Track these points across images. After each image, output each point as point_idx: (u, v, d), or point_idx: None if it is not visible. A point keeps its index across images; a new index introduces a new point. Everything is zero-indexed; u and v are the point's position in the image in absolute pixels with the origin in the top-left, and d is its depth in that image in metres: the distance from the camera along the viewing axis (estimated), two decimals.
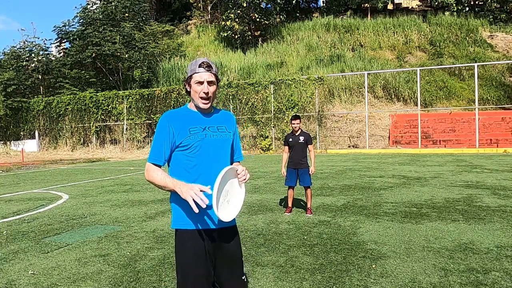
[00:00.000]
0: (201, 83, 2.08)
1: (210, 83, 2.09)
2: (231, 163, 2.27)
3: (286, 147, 6.43)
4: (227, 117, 2.28)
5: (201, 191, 1.89)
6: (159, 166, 2.06)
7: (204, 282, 2.05)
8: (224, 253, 2.14)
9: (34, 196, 8.92)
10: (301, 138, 6.27)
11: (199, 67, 2.08)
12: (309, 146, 6.34)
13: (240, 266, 2.21)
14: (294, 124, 6.26)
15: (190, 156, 2.07)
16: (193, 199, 1.86)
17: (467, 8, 32.09)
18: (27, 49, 31.58)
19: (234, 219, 2.16)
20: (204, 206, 1.87)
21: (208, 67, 2.09)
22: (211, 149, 2.10)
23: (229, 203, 2.10)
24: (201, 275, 2.04)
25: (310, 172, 6.25)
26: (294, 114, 6.49)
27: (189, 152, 2.06)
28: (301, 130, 6.36)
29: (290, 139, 6.33)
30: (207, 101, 2.12)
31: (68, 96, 28.38)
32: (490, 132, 20.58)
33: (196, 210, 1.84)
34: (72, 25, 31.97)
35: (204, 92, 2.08)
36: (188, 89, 2.14)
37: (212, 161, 2.10)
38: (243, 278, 2.20)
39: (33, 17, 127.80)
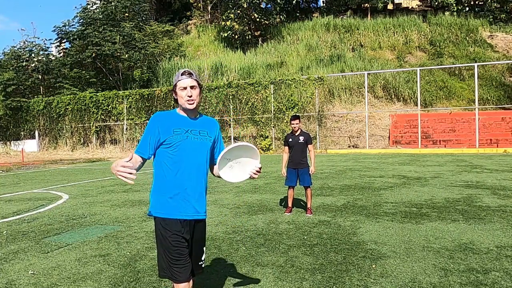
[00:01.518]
0: (185, 88, 2.38)
1: (192, 87, 2.39)
2: (210, 165, 2.56)
3: (286, 147, 6.43)
4: (210, 123, 2.55)
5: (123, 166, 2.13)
6: (142, 158, 2.38)
7: (182, 239, 2.36)
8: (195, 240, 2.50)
9: (34, 196, 8.93)
10: (301, 138, 6.27)
11: (181, 75, 2.40)
12: (309, 146, 6.34)
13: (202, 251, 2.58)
14: (293, 124, 6.26)
15: (171, 153, 2.37)
16: (121, 175, 2.11)
17: (467, 8, 32.08)
18: (27, 49, 31.59)
19: (205, 212, 2.48)
20: (131, 181, 2.12)
21: (189, 74, 2.40)
22: (190, 149, 2.39)
23: (232, 168, 2.45)
24: (180, 232, 2.36)
25: (310, 172, 6.25)
26: (293, 114, 6.49)
27: (171, 150, 2.37)
28: (301, 130, 6.36)
29: (290, 139, 6.33)
30: (192, 101, 2.39)
31: (68, 96, 28.38)
32: (490, 132, 20.58)
33: (130, 182, 2.11)
34: (72, 25, 32.00)
35: (188, 96, 2.38)
36: (175, 97, 2.44)
37: (190, 160, 2.39)
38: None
39: (32, 17, 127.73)
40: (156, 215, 2.38)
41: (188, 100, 2.37)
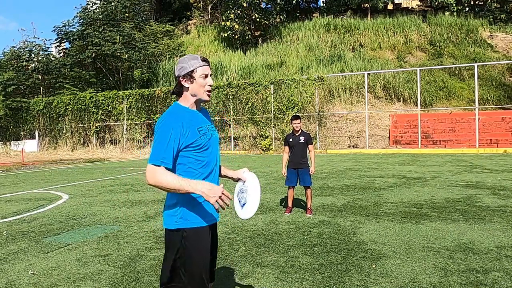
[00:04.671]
0: (207, 76, 2.12)
1: (211, 75, 2.16)
2: None
3: (286, 147, 6.43)
4: (208, 114, 2.30)
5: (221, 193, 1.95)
6: (167, 169, 1.97)
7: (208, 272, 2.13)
8: (214, 247, 2.29)
9: (34, 196, 8.92)
10: (302, 138, 6.27)
11: (202, 60, 2.11)
12: (309, 146, 6.34)
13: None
14: (294, 124, 6.26)
15: (200, 156, 2.08)
16: (221, 204, 1.93)
17: (467, 8, 32.09)
18: (27, 49, 31.58)
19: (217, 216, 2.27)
20: (225, 208, 1.95)
21: (208, 62, 2.16)
22: (216, 147, 2.18)
23: (242, 204, 2.23)
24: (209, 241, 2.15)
25: (310, 172, 6.25)
26: (294, 114, 6.49)
27: (199, 152, 2.07)
28: (301, 130, 6.36)
29: (291, 139, 6.34)
30: (210, 92, 2.16)
31: (68, 96, 28.38)
32: (490, 132, 20.57)
33: (220, 209, 1.96)
34: (72, 25, 32.00)
35: (209, 85, 2.13)
36: (187, 84, 2.10)
37: (216, 159, 2.19)
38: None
39: (31, 17, 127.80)
40: (187, 226, 2.05)
41: (209, 90, 2.13)
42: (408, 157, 16.74)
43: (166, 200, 2.15)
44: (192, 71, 2.09)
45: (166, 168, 1.96)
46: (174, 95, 2.19)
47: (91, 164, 18.64)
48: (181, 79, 2.11)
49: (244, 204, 2.14)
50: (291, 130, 6.43)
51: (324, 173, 11.47)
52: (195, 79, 2.10)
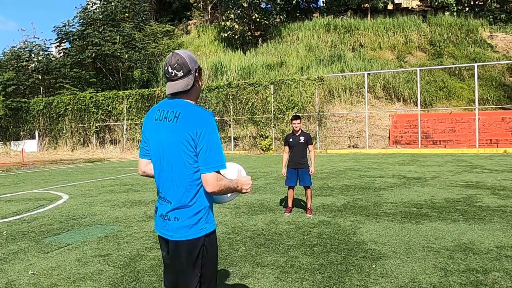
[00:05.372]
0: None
1: None
2: None
3: (286, 147, 6.43)
4: None
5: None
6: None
7: None
8: None
9: (34, 196, 8.92)
10: (302, 138, 6.26)
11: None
12: (309, 146, 6.34)
13: None
14: (294, 124, 6.25)
15: None
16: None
17: (467, 8, 32.08)
18: (27, 49, 31.59)
19: None
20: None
21: None
22: None
23: None
24: None
25: (310, 173, 6.25)
26: (294, 114, 6.47)
27: None
28: (302, 130, 6.36)
29: (291, 139, 6.33)
30: None
31: (68, 96, 28.38)
32: (490, 132, 20.57)
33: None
34: (72, 25, 32.01)
35: None
36: (198, 82, 2.05)
37: None
38: None
39: (30, 16, 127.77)
40: (213, 228, 2.04)
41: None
42: (408, 157, 16.74)
43: (179, 210, 1.97)
44: (201, 69, 2.07)
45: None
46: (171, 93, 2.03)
47: (91, 164, 18.64)
48: (197, 73, 2.04)
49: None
50: (291, 130, 6.42)
51: (324, 173, 11.47)
52: (201, 76, 2.08)
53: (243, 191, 2.05)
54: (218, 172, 1.92)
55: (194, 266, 1.98)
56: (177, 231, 1.96)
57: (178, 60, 1.97)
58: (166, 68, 2.00)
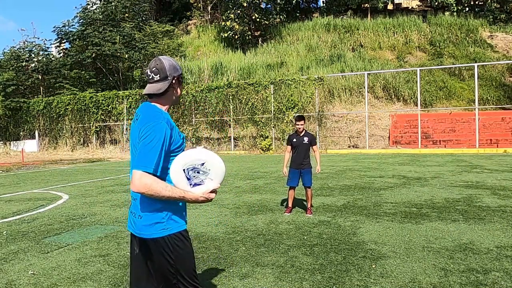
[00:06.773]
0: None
1: None
2: None
3: (289, 147, 6.40)
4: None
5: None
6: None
7: None
8: None
9: (34, 196, 8.92)
10: (306, 139, 6.24)
11: (180, 69, 2.15)
12: (313, 146, 6.31)
13: None
14: (298, 125, 6.20)
15: (173, 157, 2.03)
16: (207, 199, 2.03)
17: (467, 8, 32.08)
18: (27, 49, 31.55)
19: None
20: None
21: None
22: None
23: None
24: None
25: (316, 171, 6.25)
26: (298, 114, 6.42)
27: (176, 154, 2.04)
28: (305, 130, 6.33)
29: (294, 140, 6.29)
30: None
31: (68, 96, 28.37)
32: (490, 132, 20.58)
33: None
34: (72, 25, 31.98)
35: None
36: (177, 86, 2.12)
37: None
38: None
39: (29, 16, 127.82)
40: (179, 229, 2.04)
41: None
42: (408, 157, 16.74)
43: (141, 207, 2.01)
44: (180, 76, 2.14)
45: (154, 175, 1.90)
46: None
47: (91, 164, 18.64)
48: (175, 80, 2.10)
49: (196, 185, 2.02)
50: (295, 130, 6.38)
51: (324, 173, 11.47)
52: (181, 84, 2.17)
53: (207, 201, 2.04)
54: (154, 174, 1.88)
55: (162, 267, 2.01)
56: (142, 229, 2.01)
57: (157, 64, 2.07)
58: (146, 70, 2.12)
